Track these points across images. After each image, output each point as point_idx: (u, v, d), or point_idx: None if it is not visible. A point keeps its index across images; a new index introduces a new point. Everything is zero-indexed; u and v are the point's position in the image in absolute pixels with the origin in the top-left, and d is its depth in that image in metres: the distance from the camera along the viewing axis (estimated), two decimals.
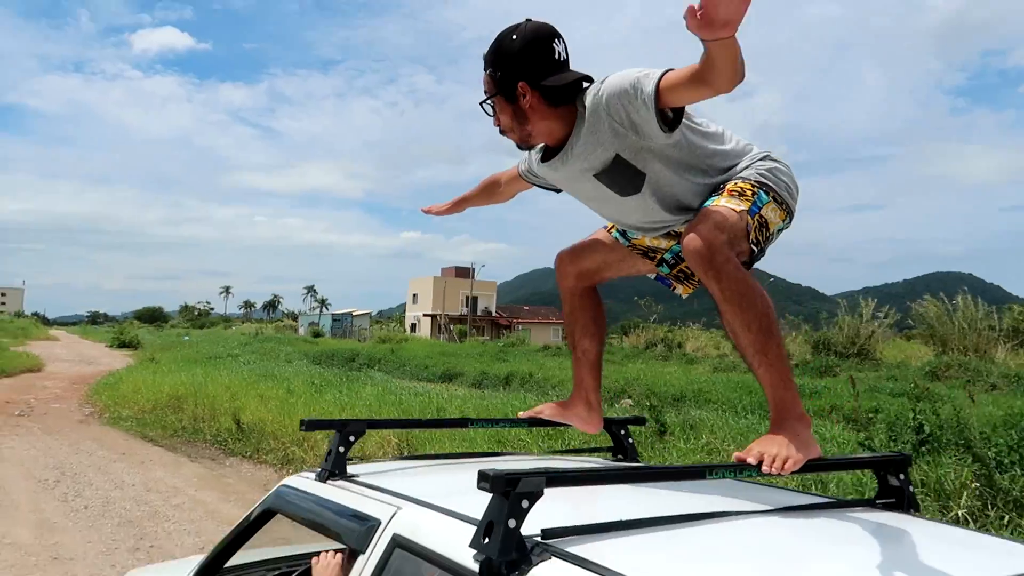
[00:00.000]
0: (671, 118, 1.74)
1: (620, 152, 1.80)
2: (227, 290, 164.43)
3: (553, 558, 1.09)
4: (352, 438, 1.84)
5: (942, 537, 1.42)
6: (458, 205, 2.50)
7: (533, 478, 1.12)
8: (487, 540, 1.10)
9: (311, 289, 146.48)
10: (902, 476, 1.59)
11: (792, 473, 1.61)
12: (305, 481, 1.84)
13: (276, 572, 2.52)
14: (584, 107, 1.81)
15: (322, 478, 1.79)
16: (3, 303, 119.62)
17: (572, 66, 1.87)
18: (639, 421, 2.33)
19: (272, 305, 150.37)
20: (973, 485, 4.64)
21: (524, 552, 1.10)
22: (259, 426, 10.09)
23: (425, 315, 59.04)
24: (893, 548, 1.30)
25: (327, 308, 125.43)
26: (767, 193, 1.85)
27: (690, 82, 1.60)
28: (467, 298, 59.74)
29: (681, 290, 2.13)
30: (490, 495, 1.11)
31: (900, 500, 1.58)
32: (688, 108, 1.80)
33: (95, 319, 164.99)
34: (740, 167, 1.91)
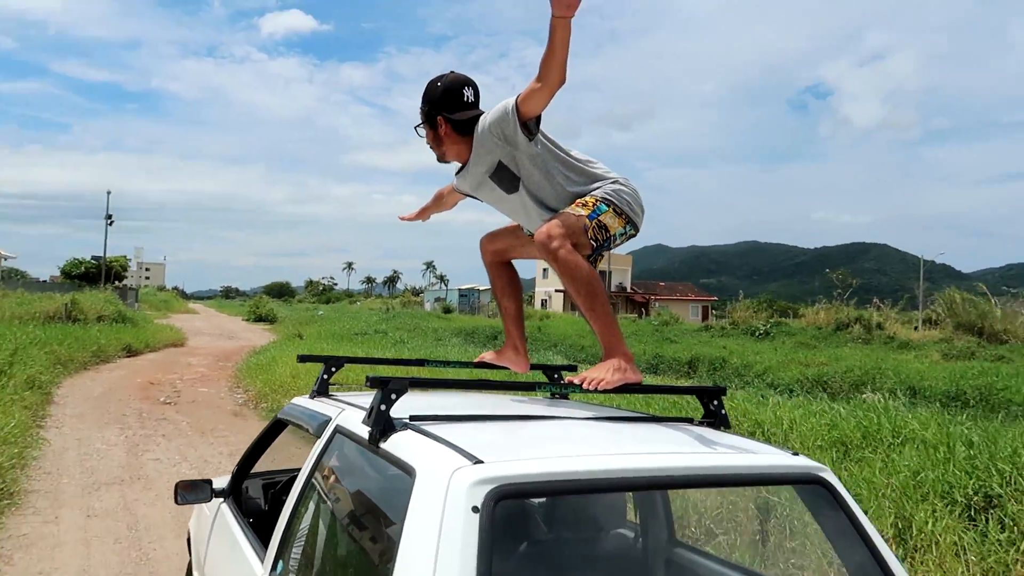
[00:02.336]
0: (531, 130, 2.39)
1: (501, 159, 2.46)
2: (349, 266, 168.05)
3: (409, 430, 1.69)
4: (333, 369, 2.65)
5: (730, 442, 1.84)
6: (422, 212, 3.11)
7: (400, 380, 1.73)
8: (370, 418, 1.75)
9: (430, 265, 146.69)
10: (716, 402, 2.07)
11: (610, 391, 2.18)
12: (302, 399, 2.58)
13: (288, 477, 2.99)
14: (476, 130, 2.47)
15: (311, 396, 2.54)
16: (147, 278, 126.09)
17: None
18: (571, 368, 2.84)
19: (392, 280, 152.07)
20: None
21: (391, 426, 1.72)
22: None
23: (557, 291, 56.21)
24: (675, 441, 1.83)
25: (445, 284, 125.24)
26: (607, 205, 2.46)
27: (532, 89, 2.27)
28: (601, 273, 56.18)
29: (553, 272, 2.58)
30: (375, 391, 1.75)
31: (716, 421, 2.05)
32: (559, 142, 2.52)
33: (228, 293, 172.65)
34: (593, 187, 2.52)
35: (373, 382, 1.70)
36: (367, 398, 2.10)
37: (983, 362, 18.15)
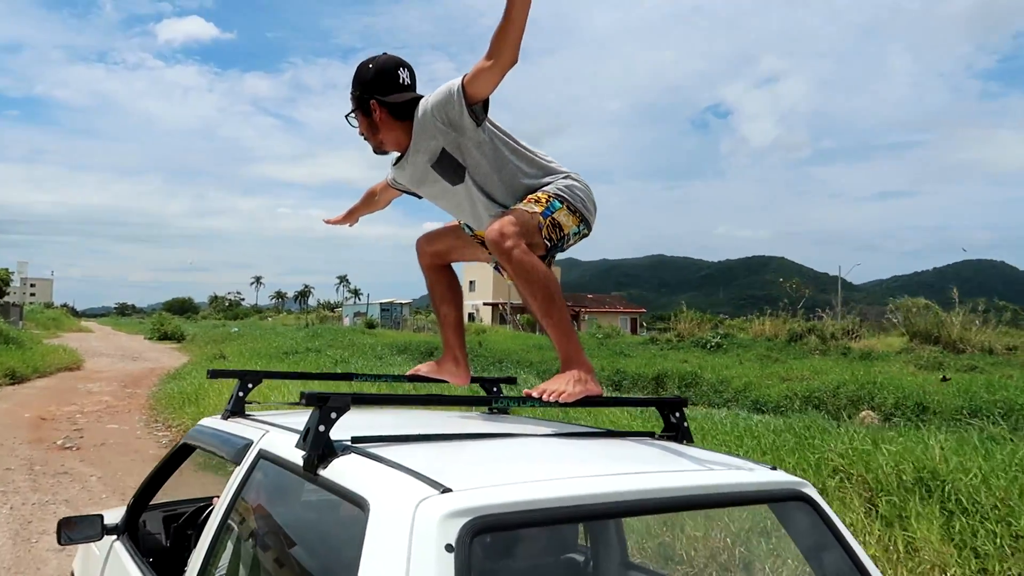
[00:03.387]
0: (478, 115, 2.17)
1: (445, 146, 2.22)
2: (258, 280, 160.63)
3: (353, 454, 1.46)
4: (250, 385, 2.31)
5: (705, 457, 1.70)
6: (350, 215, 2.88)
7: (341, 396, 1.48)
8: (305, 441, 1.49)
9: (343, 279, 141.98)
10: (678, 415, 1.90)
11: (570, 405, 1.97)
12: (213, 420, 2.28)
13: (193, 508, 2.73)
14: (417, 114, 2.23)
15: (224, 416, 2.22)
16: (33, 294, 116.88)
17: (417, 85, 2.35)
18: (510, 380, 2.68)
19: (303, 295, 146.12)
20: None
21: (331, 449, 1.46)
22: None
23: (485, 303, 54.40)
24: (645, 459, 1.69)
25: (359, 298, 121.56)
26: (561, 202, 2.26)
27: (481, 68, 2.06)
28: None
29: (505, 276, 2.28)
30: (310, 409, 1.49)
31: (678, 434, 1.89)
32: (507, 129, 2.30)
33: (123, 310, 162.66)
34: (545, 182, 2.31)
35: (309, 399, 1.47)
36: (292, 418, 1.99)
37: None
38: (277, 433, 1.81)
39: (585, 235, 2.39)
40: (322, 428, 1.47)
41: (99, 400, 13.33)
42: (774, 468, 1.67)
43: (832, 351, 23.56)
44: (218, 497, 1.99)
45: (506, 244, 2.05)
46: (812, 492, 1.60)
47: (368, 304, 61.84)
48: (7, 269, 47.34)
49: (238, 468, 1.83)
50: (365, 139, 2.34)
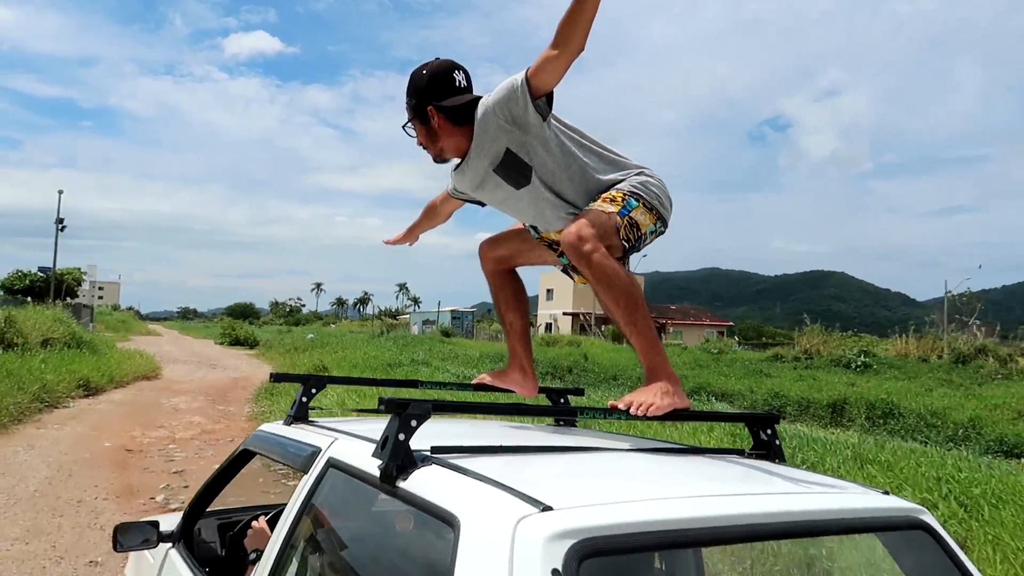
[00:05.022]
0: (543, 110, 2.04)
1: (509, 145, 2.09)
2: (318, 287, 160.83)
3: (435, 465, 1.35)
4: (314, 390, 2.22)
5: (789, 476, 1.56)
6: (410, 233, 2.74)
7: (422, 403, 1.38)
8: (383, 451, 1.38)
9: (403, 287, 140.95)
10: (769, 431, 1.80)
11: (659, 418, 1.86)
12: (275, 426, 2.17)
13: (249, 516, 2.62)
14: (477, 115, 2.09)
15: (287, 422, 2.13)
16: (101, 297, 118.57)
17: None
18: (578, 392, 2.55)
19: (363, 302, 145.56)
20: None
21: (411, 460, 1.36)
22: None
23: (565, 313, 51.32)
24: (744, 479, 1.55)
25: (418, 306, 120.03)
26: (637, 200, 2.12)
27: (547, 57, 1.93)
28: None
29: (578, 279, 2.25)
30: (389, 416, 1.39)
31: (769, 452, 1.78)
32: (575, 126, 2.17)
33: (186, 315, 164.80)
34: (617, 178, 2.17)
35: (388, 405, 1.38)
36: (360, 425, 1.94)
37: None
38: (347, 441, 1.73)
39: (661, 233, 2.24)
40: (402, 436, 1.37)
41: (190, 422, 10.83)
42: (886, 492, 1.53)
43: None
44: (276, 506, 2.00)
45: (585, 248, 1.96)
46: (931, 520, 1.43)
47: (438, 312, 59.22)
48: (79, 268, 46.38)
49: (306, 477, 1.74)
50: (424, 149, 2.21)
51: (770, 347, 45.40)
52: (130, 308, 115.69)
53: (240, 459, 2.30)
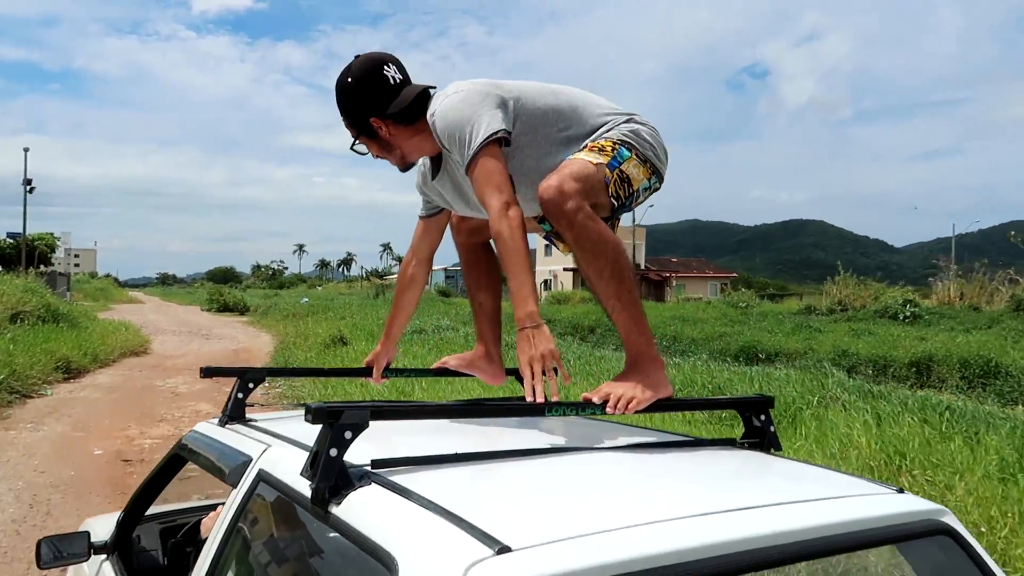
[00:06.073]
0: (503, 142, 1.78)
1: None
2: (301, 248, 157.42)
3: (375, 485, 1.13)
4: (251, 385, 1.91)
5: (787, 473, 1.45)
6: (388, 342, 2.23)
7: (357, 410, 1.16)
8: (312, 469, 1.16)
9: (387, 246, 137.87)
10: (763, 417, 1.62)
11: (641, 412, 1.63)
12: (209, 427, 1.87)
13: (195, 519, 2.39)
14: (429, 120, 1.83)
15: (222, 423, 1.83)
16: (77, 264, 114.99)
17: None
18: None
19: (346, 263, 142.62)
20: None
21: (347, 480, 1.14)
22: None
23: (566, 269, 49.20)
24: (740, 480, 1.40)
25: None
26: (629, 150, 1.85)
27: (481, 197, 1.72)
28: None
29: (562, 247, 1.97)
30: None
31: (763, 441, 1.61)
32: (533, 88, 1.89)
33: (165, 280, 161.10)
34: (604, 128, 1.89)
35: (316, 415, 1.15)
36: (301, 423, 1.45)
37: None
38: (281, 449, 1.47)
39: (656, 189, 1.95)
40: (334, 452, 1.15)
41: (196, 411, 8.87)
42: (900, 490, 1.31)
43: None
44: (222, 504, 1.81)
45: (567, 206, 1.66)
46: (955, 522, 1.25)
47: (433, 271, 57.08)
48: (52, 234, 43.63)
49: (234, 492, 1.49)
50: (383, 159, 1.95)
51: (778, 298, 44.01)
52: (108, 275, 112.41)
53: (171, 464, 2.05)
